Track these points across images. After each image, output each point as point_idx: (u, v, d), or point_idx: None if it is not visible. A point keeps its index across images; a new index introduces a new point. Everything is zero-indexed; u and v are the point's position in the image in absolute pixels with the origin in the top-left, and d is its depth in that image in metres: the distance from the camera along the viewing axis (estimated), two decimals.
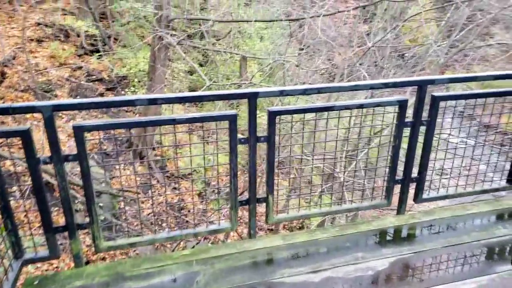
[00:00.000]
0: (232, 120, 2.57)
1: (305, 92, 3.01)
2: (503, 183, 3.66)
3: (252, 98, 2.64)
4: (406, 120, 3.08)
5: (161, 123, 2.60)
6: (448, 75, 3.17)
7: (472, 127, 3.43)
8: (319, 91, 2.97)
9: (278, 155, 3.51)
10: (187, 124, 2.76)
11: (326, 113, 3.34)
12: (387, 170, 3.25)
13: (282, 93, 2.83)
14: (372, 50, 10.22)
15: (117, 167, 8.73)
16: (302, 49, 12.88)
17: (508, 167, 3.65)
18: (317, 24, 8.12)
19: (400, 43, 11.77)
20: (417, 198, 3.38)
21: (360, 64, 9.49)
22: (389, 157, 3.22)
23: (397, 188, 3.32)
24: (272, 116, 2.71)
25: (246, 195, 2.90)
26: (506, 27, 12.34)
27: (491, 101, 3.28)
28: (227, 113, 2.59)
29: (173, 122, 2.50)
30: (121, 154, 9.67)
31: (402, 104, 3.03)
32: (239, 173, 2.98)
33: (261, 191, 4.08)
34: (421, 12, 7.94)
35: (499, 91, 3.22)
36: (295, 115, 2.86)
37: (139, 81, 10.72)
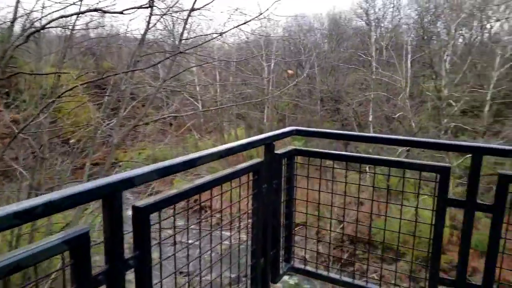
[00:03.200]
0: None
1: None
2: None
3: None
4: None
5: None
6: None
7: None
8: None
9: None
10: None
11: None
12: None
13: None
14: (23, 139, 7.96)
15: None
16: None
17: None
18: None
19: (57, 126, 10.01)
20: None
21: (15, 158, 7.03)
22: None
23: None
24: None
25: None
26: (160, 107, 13.38)
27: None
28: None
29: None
30: None
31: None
32: None
33: None
34: (77, 86, 6.68)
35: (247, 166, 2.39)
36: None
37: None
